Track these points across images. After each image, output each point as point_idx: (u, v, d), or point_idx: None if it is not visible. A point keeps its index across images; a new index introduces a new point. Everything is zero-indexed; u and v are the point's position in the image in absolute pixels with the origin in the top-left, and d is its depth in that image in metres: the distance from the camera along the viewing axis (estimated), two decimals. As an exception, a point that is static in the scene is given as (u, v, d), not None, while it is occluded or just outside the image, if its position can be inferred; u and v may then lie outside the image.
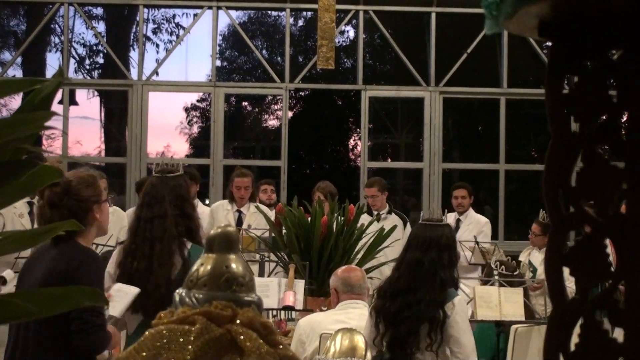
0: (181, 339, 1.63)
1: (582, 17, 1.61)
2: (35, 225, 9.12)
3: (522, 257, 9.79)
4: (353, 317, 5.73)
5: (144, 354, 1.65)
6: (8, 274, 9.27)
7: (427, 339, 5.33)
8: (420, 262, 5.48)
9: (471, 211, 10.76)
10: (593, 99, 1.61)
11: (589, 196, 1.64)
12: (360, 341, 3.47)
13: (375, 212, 10.06)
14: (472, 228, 10.53)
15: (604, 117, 1.62)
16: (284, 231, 8.01)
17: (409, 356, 5.38)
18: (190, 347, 1.62)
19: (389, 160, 18.39)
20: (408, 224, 10.37)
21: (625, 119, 1.61)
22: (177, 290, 1.79)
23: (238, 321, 1.66)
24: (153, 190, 5.27)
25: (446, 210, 6.22)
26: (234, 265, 1.76)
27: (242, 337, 1.62)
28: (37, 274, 4.18)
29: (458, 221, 10.55)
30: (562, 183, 1.65)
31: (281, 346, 1.72)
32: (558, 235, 1.67)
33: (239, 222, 9.65)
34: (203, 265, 1.76)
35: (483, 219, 10.81)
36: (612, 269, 1.64)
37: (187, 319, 1.66)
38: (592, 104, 1.62)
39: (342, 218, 7.88)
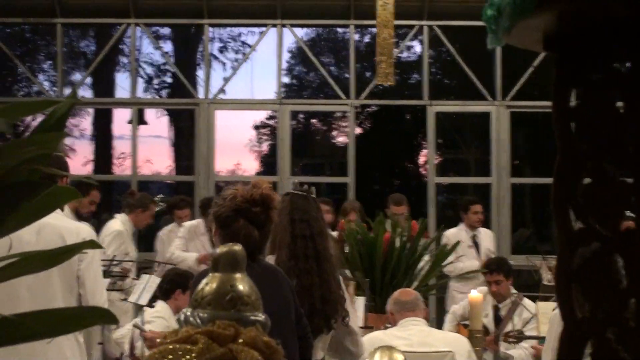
0: (183, 359, 1.63)
1: (586, 30, 1.58)
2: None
3: None
4: (414, 333, 5.72)
5: (148, 373, 1.65)
6: None
7: None
8: None
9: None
10: (599, 111, 1.58)
11: (598, 212, 1.60)
12: (399, 359, 3.44)
13: None
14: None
15: (611, 131, 1.59)
16: (345, 248, 7.99)
17: None
18: (192, 366, 1.63)
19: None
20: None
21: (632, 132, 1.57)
22: (183, 310, 1.80)
23: (240, 340, 1.66)
24: (302, 207, 4.99)
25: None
26: (239, 285, 1.76)
27: (242, 355, 1.62)
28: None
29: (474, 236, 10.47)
30: (570, 199, 1.61)
31: (284, 366, 1.71)
32: (567, 251, 1.63)
33: None
34: (208, 284, 1.77)
35: (489, 231, 11.05)
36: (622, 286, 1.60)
37: (189, 338, 1.67)
38: (598, 117, 1.58)
39: (405, 234, 7.85)
